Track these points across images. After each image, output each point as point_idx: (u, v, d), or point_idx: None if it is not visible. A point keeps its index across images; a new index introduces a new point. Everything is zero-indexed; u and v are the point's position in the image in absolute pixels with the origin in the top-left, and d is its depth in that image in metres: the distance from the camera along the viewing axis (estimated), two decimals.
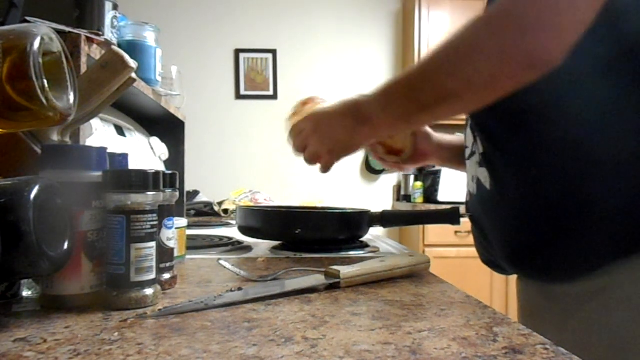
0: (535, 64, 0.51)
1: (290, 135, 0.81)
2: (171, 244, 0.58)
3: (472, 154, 0.73)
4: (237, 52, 3.18)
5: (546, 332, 0.62)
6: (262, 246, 0.96)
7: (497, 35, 0.53)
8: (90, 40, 0.79)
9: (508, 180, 0.65)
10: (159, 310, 0.47)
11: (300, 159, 0.81)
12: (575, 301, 0.62)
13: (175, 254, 0.61)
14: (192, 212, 1.92)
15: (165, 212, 0.57)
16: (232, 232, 1.15)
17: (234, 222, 1.28)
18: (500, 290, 2.65)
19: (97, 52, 0.81)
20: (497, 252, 0.70)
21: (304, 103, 0.84)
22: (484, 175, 0.68)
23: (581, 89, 0.56)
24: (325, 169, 0.79)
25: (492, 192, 0.67)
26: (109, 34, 0.95)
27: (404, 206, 3.07)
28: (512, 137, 0.64)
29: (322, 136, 0.75)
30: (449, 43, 0.57)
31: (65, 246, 0.45)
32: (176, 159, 1.56)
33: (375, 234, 1.13)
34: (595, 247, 0.59)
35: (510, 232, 0.66)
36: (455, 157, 0.93)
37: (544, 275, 0.66)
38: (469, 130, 0.74)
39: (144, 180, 0.50)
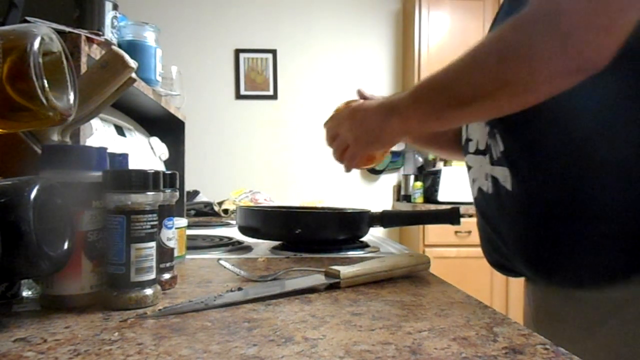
0: (582, 67, 0.47)
1: (326, 124, 0.80)
2: (171, 244, 0.58)
3: (485, 150, 0.70)
4: (237, 52, 3.18)
5: (570, 337, 0.59)
6: (262, 246, 0.96)
7: (540, 35, 0.49)
8: (90, 40, 0.79)
9: (534, 182, 0.62)
10: (159, 310, 0.47)
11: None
12: (610, 307, 0.58)
13: (175, 254, 0.61)
14: (192, 212, 1.92)
15: (165, 212, 0.57)
16: (232, 232, 1.15)
17: (234, 222, 1.28)
18: (500, 290, 2.65)
19: (97, 52, 0.81)
20: (514, 254, 0.68)
21: (348, 103, 0.81)
22: (503, 174, 0.65)
23: (582, 89, 0.55)
24: (350, 161, 0.75)
25: (514, 193, 0.64)
26: (109, 34, 0.95)
27: (404, 206, 3.07)
28: (537, 138, 0.61)
29: (353, 123, 0.73)
30: (488, 42, 0.54)
31: (65, 246, 0.45)
32: (176, 159, 1.55)
33: (375, 234, 1.13)
34: (631, 253, 0.56)
35: (534, 236, 0.63)
36: (432, 138, 0.91)
37: (572, 282, 0.62)
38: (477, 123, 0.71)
39: (144, 180, 0.50)
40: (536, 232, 0.63)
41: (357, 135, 0.72)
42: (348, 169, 0.77)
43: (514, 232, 0.66)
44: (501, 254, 0.71)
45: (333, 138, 0.77)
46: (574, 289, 0.63)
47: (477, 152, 0.72)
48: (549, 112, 0.58)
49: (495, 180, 0.67)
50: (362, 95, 0.85)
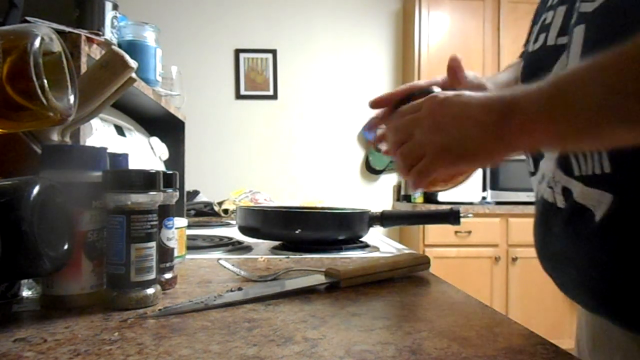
0: None
1: (394, 118, 0.56)
2: (171, 244, 0.58)
3: None
4: (237, 52, 3.18)
5: None
6: (262, 246, 0.96)
7: None
8: (90, 40, 0.78)
9: None
10: (159, 310, 0.47)
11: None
12: None
13: (175, 254, 0.61)
14: (192, 212, 1.92)
15: (165, 212, 0.57)
16: (232, 232, 1.15)
17: (234, 222, 1.28)
18: (500, 290, 2.65)
19: (97, 52, 0.81)
20: (577, 285, 0.52)
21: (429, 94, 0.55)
22: (593, 198, 0.46)
23: None
24: (421, 179, 0.52)
25: (604, 224, 0.45)
26: (109, 34, 0.95)
27: (404, 206, 3.07)
28: None
29: (437, 124, 0.49)
30: None
31: (65, 246, 0.45)
32: (176, 159, 1.56)
33: (375, 234, 1.13)
34: None
35: (621, 282, 0.46)
36: None
37: None
38: None
39: (144, 180, 0.50)
40: (624, 277, 0.45)
41: (441, 142, 0.49)
42: (416, 188, 0.53)
43: (585, 267, 0.49)
44: (555, 275, 0.56)
45: (402, 141, 0.52)
46: None
47: None
48: None
49: (568, 195, 0.49)
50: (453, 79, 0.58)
